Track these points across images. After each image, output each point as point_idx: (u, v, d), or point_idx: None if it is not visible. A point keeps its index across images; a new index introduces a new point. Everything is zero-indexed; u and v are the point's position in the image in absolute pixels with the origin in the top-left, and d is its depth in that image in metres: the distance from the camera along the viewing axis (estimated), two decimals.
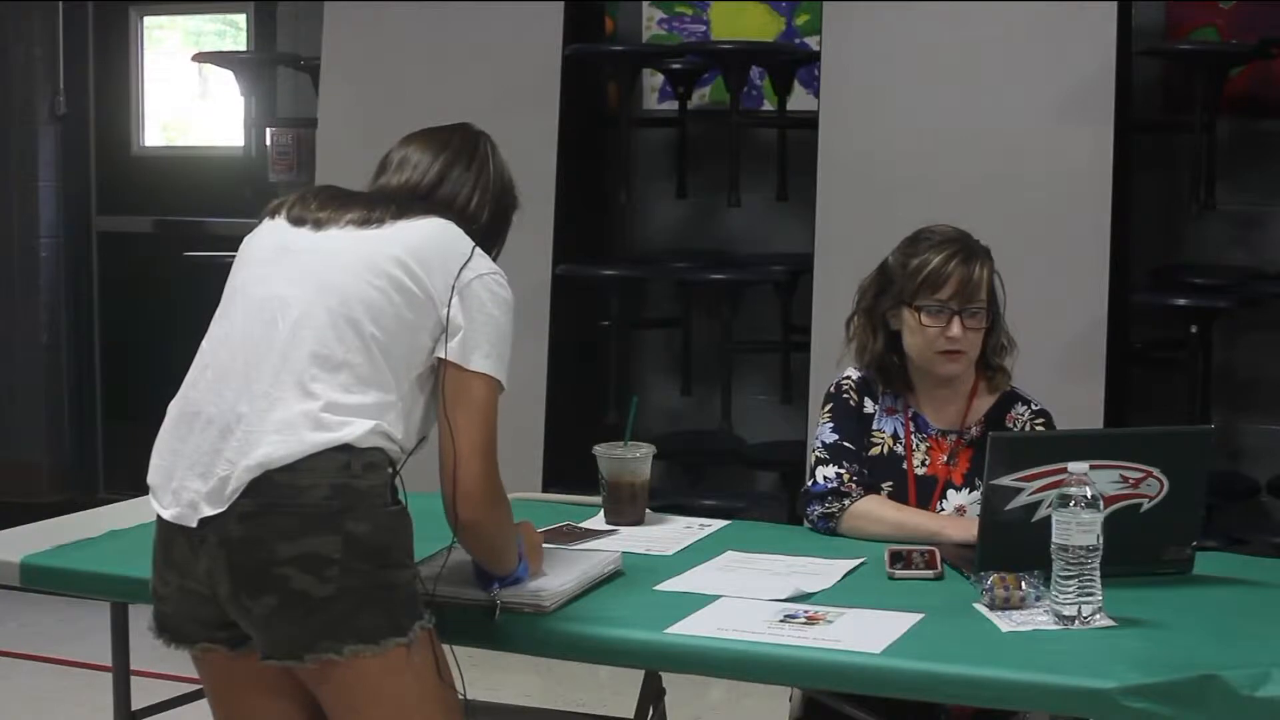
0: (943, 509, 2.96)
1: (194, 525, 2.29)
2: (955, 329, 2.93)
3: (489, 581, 2.44)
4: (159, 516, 2.36)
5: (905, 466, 2.99)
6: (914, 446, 3.01)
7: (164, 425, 2.41)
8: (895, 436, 3.02)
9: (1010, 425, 2.99)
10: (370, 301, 2.34)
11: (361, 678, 2.27)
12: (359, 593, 2.25)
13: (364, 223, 2.41)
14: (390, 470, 2.34)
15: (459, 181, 2.52)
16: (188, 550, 2.31)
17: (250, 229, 2.52)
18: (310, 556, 2.23)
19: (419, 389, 2.38)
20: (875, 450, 3.02)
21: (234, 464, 2.27)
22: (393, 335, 2.34)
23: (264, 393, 2.30)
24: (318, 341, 2.32)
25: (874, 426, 3.04)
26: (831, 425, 3.04)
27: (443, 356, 2.36)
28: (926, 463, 3.00)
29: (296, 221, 2.45)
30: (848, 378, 3.08)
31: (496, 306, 2.39)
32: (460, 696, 2.40)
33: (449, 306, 2.35)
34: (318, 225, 2.43)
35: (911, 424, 3.02)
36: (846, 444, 3.00)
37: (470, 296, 2.37)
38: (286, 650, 2.27)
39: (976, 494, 2.93)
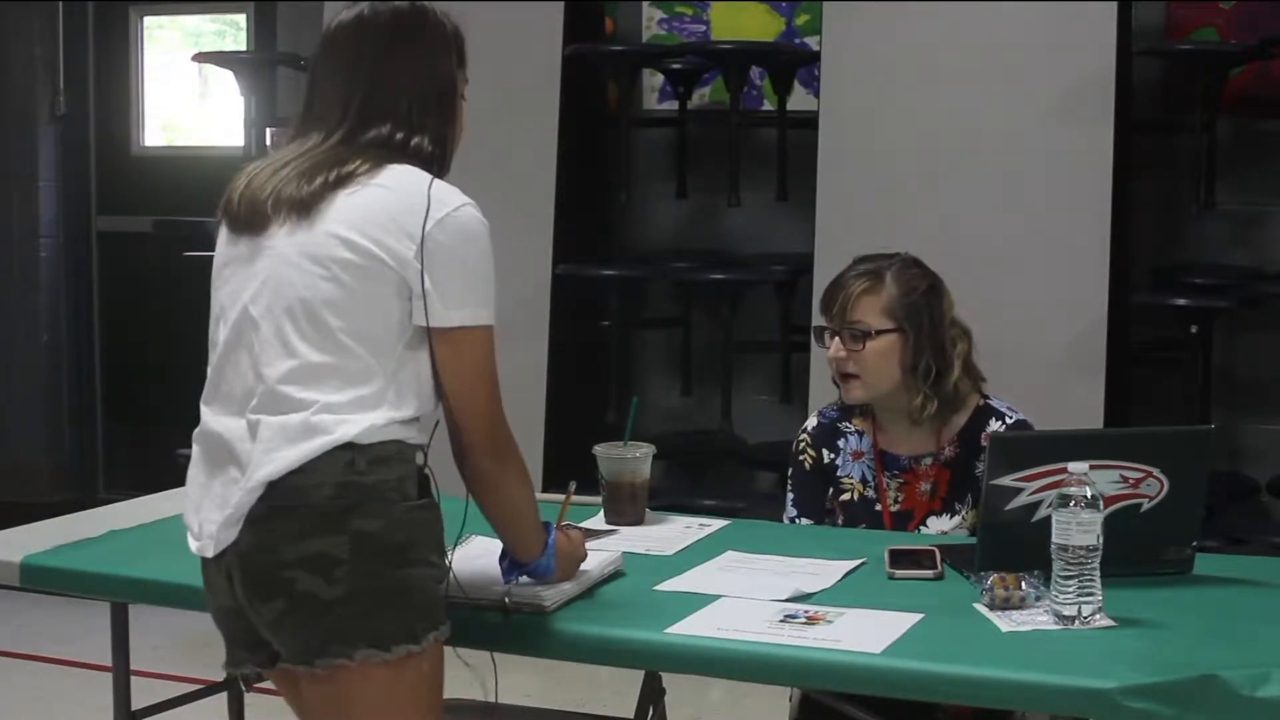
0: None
1: (211, 555, 2.29)
2: (832, 348, 2.92)
3: (510, 570, 2.41)
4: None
5: (879, 508, 2.96)
6: (885, 486, 2.98)
7: (192, 456, 2.39)
8: (864, 481, 2.99)
9: (985, 445, 2.86)
10: (327, 296, 2.25)
11: (366, 683, 2.22)
12: (371, 594, 2.20)
13: (299, 211, 2.27)
14: (410, 463, 2.27)
15: (375, 113, 2.31)
16: (215, 570, 2.30)
17: None
18: (317, 557, 2.19)
19: (411, 352, 2.28)
20: (846, 496, 3.00)
21: (243, 489, 2.24)
22: (359, 320, 2.25)
23: (256, 418, 2.26)
24: (289, 353, 2.26)
25: (840, 474, 3.01)
26: (791, 498, 3.05)
27: (423, 324, 2.26)
28: (900, 499, 2.97)
29: (235, 229, 2.35)
30: (805, 431, 3.06)
31: (463, 244, 2.26)
32: (489, 701, 2.37)
33: (421, 279, 2.23)
34: (253, 230, 2.32)
35: (880, 463, 2.99)
36: (805, 519, 3.02)
37: (434, 249, 2.24)
38: (298, 655, 2.24)
39: (958, 518, 2.92)
